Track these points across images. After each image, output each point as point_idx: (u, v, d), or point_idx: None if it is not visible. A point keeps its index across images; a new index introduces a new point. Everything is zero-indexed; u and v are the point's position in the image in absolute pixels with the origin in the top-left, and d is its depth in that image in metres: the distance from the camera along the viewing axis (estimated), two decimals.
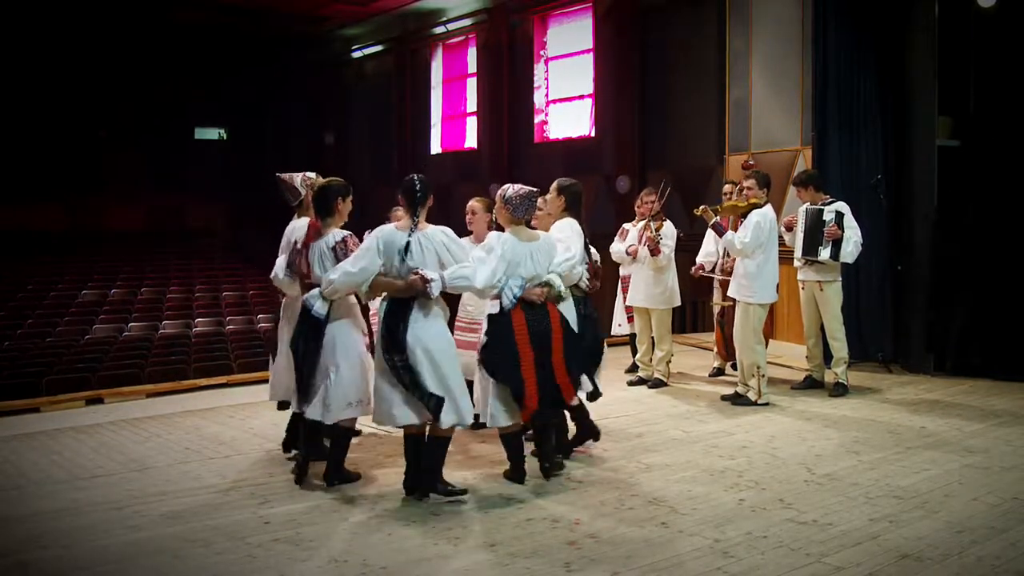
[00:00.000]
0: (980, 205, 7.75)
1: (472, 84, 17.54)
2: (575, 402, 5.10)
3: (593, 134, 14.97)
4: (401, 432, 4.69)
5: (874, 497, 4.46)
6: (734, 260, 6.90)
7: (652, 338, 7.40)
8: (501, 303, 4.60)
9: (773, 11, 9.11)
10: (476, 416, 4.81)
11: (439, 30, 17.90)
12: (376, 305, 4.77)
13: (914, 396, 6.99)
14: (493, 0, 16.29)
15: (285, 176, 5.20)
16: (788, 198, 8.58)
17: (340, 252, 4.58)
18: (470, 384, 4.86)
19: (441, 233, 4.53)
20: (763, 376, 6.61)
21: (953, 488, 4.62)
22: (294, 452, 5.17)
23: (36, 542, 4.02)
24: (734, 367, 7.08)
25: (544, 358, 4.64)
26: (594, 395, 5.10)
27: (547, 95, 15.96)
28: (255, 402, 7.05)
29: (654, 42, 13.67)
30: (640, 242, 7.26)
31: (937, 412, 6.39)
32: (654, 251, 7.13)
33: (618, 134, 14.23)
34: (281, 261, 5.03)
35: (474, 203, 5.71)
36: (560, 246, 4.94)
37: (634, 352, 7.81)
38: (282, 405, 5.38)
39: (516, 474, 4.76)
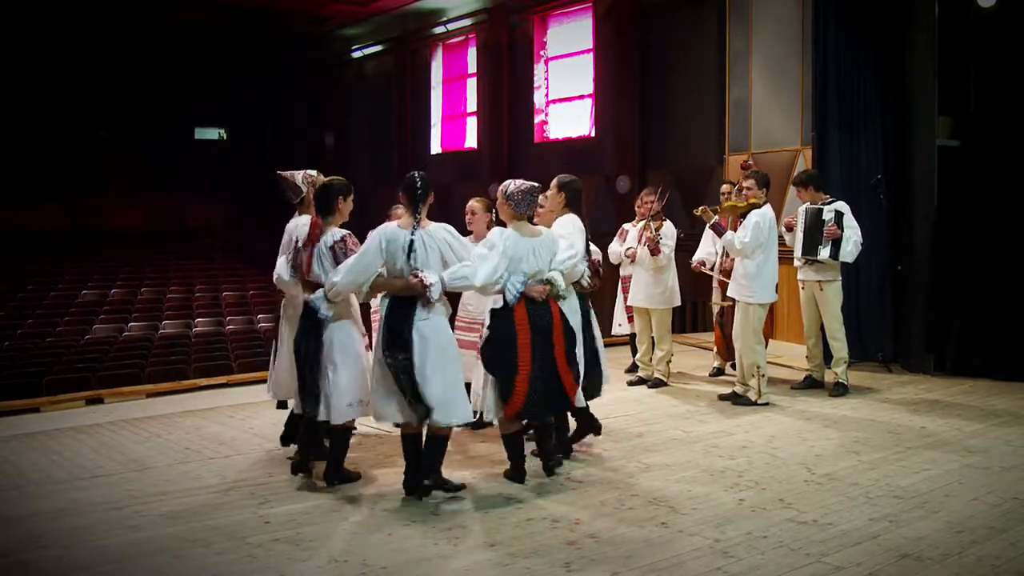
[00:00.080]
0: (980, 205, 7.75)
1: (472, 84, 17.54)
2: (580, 403, 5.09)
3: (593, 134, 14.97)
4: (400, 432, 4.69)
5: (874, 497, 4.46)
6: (733, 260, 6.90)
7: (652, 338, 7.40)
8: (504, 298, 4.61)
9: (773, 11, 9.11)
10: (474, 414, 4.81)
11: (439, 30, 17.90)
12: (377, 303, 4.78)
13: (914, 396, 6.99)
14: (493, 0, 16.29)
15: (286, 174, 5.20)
16: (788, 198, 8.58)
17: (339, 251, 4.58)
18: (468, 384, 4.87)
19: (443, 231, 4.54)
20: (763, 376, 6.61)
21: (953, 488, 4.62)
22: (293, 447, 5.19)
23: (36, 542, 4.02)
24: (734, 367, 7.08)
25: (547, 353, 4.65)
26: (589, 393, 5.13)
27: (547, 95, 15.96)
28: (255, 402, 7.05)
29: (654, 42, 13.67)
30: (640, 242, 7.26)
31: (937, 412, 6.39)
32: (654, 251, 7.14)
33: (618, 134, 14.23)
34: (282, 261, 5.02)
35: (474, 203, 5.72)
36: (563, 243, 4.94)
37: (634, 352, 7.81)
38: (281, 405, 5.40)
39: (516, 474, 4.76)
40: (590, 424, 5.44)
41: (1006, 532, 3.98)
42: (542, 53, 15.93)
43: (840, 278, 7.09)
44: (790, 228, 7.21)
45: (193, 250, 19.63)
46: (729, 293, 6.85)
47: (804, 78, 8.68)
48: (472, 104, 17.60)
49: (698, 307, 11.61)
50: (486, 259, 4.56)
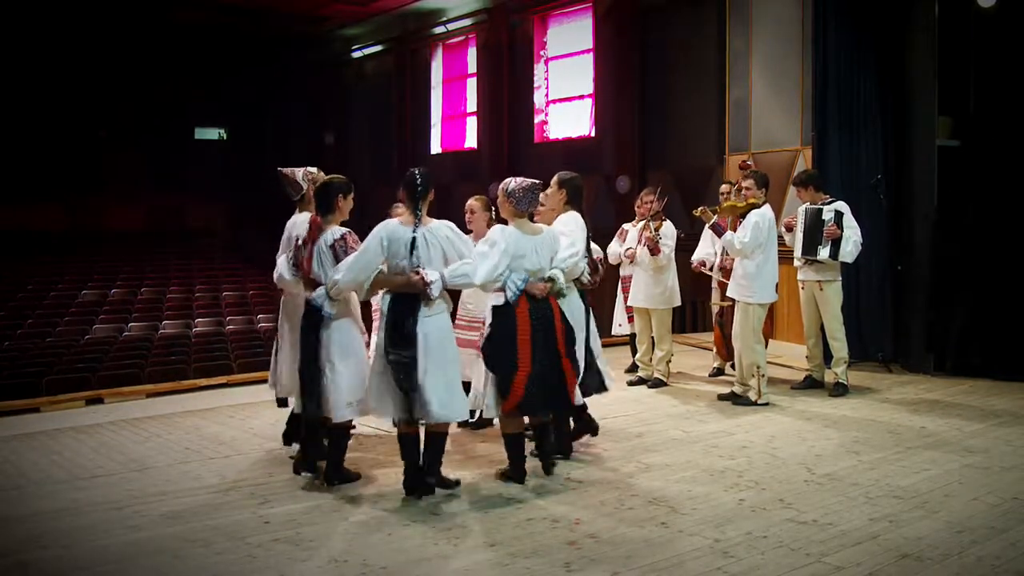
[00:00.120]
0: (980, 205, 7.75)
1: (472, 84, 17.54)
2: (579, 401, 5.10)
3: (593, 134, 14.97)
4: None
5: (874, 497, 4.46)
6: (732, 260, 6.90)
7: (652, 338, 7.40)
8: (505, 295, 4.61)
9: (773, 11, 9.11)
10: (472, 413, 4.81)
11: (439, 30, 17.90)
12: (378, 301, 4.78)
13: (914, 396, 6.99)
14: (493, 0, 16.30)
15: (287, 171, 5.22)
16: (788, 198, 8.58)
17: (340, 249, 4.59)
18: (467, 383, 4.86)
19: (445, 228, 4.55)
20: (763, 376, 6.61)
21: (953, 488, 4.62)
22: (295, 446, 5.19)
23: (36, 542, 4.02)
24: (734, 367, 7.08)
25: (548, 350, 4.65)
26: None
27: (547, 95, 15.97)
28: (255, 402, 7.05)
29: (654, 42, 13.67)
30: (640, 242, 7.26)
31: (937, 412, 6.39)
32: (654, 251, 7.14)
33: (618, 134, 14.23)
34: (283, 260, 5.01)
35: (473, 202, 5.72)
36: (564, 240, 4.95)
37: (634, 352, 7.81)
38: (281, 403, 5.38)
39: (516, 473, 4.75)
40: (587, 424, 5.44)
41: (1006, 532, 3.97)
42: (542, 53, 15.93)
43: (840, 278, 7.09)
44: (790, 228, 7.21)
45: (193, 250, 19.63)
46: (729, 293, 6.85)
47: (804, 78, 8.68)
48: (472, 104, 17.60)
49: (698, 307, 11.61)
50: (487, 257, 4.57)
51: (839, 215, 6.90)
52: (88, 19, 18.63)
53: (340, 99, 21.25)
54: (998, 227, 7.62)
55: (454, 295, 5.15)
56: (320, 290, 4.58)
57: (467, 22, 17.20)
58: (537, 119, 16.04)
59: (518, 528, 4.08)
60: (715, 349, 7.97)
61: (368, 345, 4.95)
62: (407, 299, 4.44)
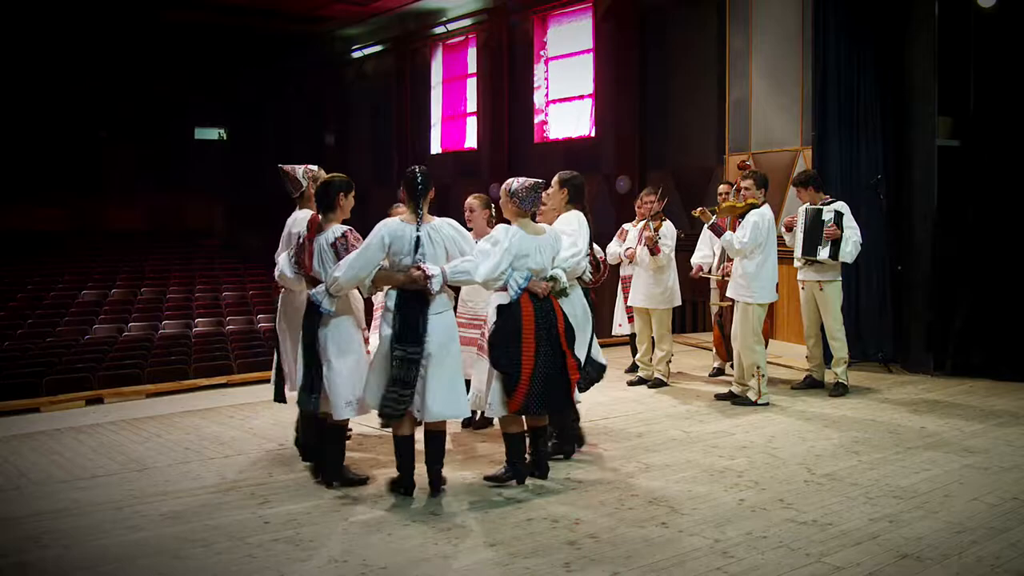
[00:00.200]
0: (980, 205, 7.75)
1: (472, 84, 17.53)
2: (578, 401, 5.10)
3: (593, 134, 14.97)
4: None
5: (874, 497, 4.46)
6: (732, 260, 6.90)
7: (652, 338, 7.40)
8: (509, 294, 4.61)
9: (773, 11, 9.11)
10: (473, 413, 4.80)
11: (439, 30, 17.90)
12: (379, 299, 4.77)
13: (914, 396, 6.99)
14: (493, 0, 16.29)
15: (288, 167, 5.22)
16: (788, 198, 8.58)
17: (340, 247, 4.58)
18: (467, 380, 4.86)
19: (448, 226, 4.57)
20: (763, 376, 6.61)
21: (953, 488, 4.62)
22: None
23: (36, 542, 4.02)
24: (734, 367, 7.08)
25: (551, 349, 4.65)
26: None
27: (547, 95, 15.95)
28: (255, 402, 7.05)
29: (654, 42, 13.67)
30: (639, 242, 7.26)
31: (937, 412, 6.39)
32: (653, 251, 7.14)
33: (618, 134, 14.23)
34: (284, 258, 4.99)
35: (472, 200, 5.72)
36: (567, 240, 4.95)
37: (634, 352, 7.82)
38: (279, 399, 5.32)
39: (516, 473, 4.75)
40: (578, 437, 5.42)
41: (1006, 532, 3.98)
42: (542, 53, 15.92)
43: (840, 278, 7.09)
44: (790, 228, 7.22)
45: (193, 250, 19.63)
46: (728, 293, 6.85)
47: (804, 78, 8.68)
48: (472, 104, 17.59)
49: (698, 307, 11.61)
50: (489, 255, 4.57)
51: (839, 215, 6.90)
52: (88, 19, 18.64)
53: (340, 99, 21.25)
54: (998, 227, 7.62)
55: (454, 292, 5.15)
56: (320, 287, 4.57)
57: (467, 22, 17.20)
58: (537, 119, 16.04)
59: (518, 528, 4.08)
60: (715, 349, 7.97)
61: (367, 342, 4.93)
62: (416, 297, 4.45)
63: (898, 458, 5.19)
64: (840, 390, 6.99)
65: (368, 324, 5.17)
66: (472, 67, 17.51)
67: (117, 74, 20.05)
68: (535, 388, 4.59)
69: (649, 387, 7.36)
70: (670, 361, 7.48)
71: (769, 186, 6.89)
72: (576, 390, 4.92)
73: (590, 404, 5.86)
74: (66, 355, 11.63)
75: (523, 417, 4.75)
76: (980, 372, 7.61)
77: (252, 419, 6.52)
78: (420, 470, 4.60)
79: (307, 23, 18.97)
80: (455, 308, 5.12)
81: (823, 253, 6.92)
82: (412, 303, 4.45)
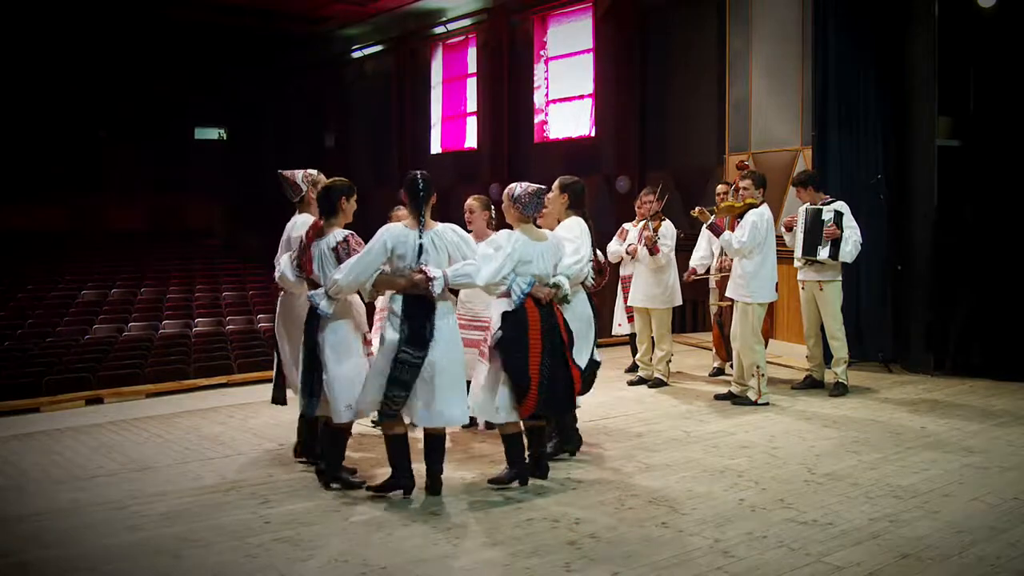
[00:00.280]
0: (980, 205, 7.76)
1: (472, 84, 17.54)
2: (578, 404, 5.09)
3: (593, 134, 14.97)
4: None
5: (874, 497, 4.47)
6: (730, 260, 6.90)
7: (652, 338, 7.40)
8: (513, 300, 4.61)
9: (773, 11, 9.11)
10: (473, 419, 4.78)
11: (439, 30, 17.90)
12: (381, 303, 4.77)
13: (914, 396, 6.99)
14: (493, 0, 16.29)
15: (287, 172, 5.20)
16: (788, 198, 8.58)
17: (342, 251, 4.57)
18: (467, 382, 4.85)
19: (451, 232, 4.56)
20: (763, 376, 6.61)
21: (953, 488, 4.62)
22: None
23: (36, 542, 4.02)
24: (733, 367, 7.08)
25: (555, 354, 4.65)
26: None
27: (547, 95, 15.96)
28: (255, 402, 7.04)
29: (654, 42, 13.67)
30: (639, 242, 7.26)
31: (937, 412, 6.39)
32: (653, 251, 7.14)
33: (618, 134, 14.23)
34: (285, 260, 4.97)
35: (471, 201, 5.71)
36: (569, 246, 4.95)
37: (634, 352, 7.81)
38: (278, 401, 5.32)
39: (520, 475, 4.74)
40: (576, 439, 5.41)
41: (1006, 532, 3.98)
42: (542, 53, 15.93)
43: (840, 278, 7.09)
44: (790, 228, 7.21)
45: (193, 250, 19.62)
46: (728, 293, 6.85)
47: (804, 78, 8.68)
48: (472, 104, 17.60)
49: (698, 307, 11.60)
50: (491, 259, 4.56)
51: (839, 215, 6.90)
52: (88, 19, 18.65)
53: (340, 99, 21.25)
54: (998, 227, 7.62)
55: (454, 295, 5.15)
56: (319, 289, 4.56)
57: (467, 22, 17.20)
58: (537, 119, 16.05)
59: (518, 528, 4.08)
60: (714, 349, 7.97)
61: (369, 344, 4.92)
62: (422, 301, 4.44)
63: (898, 458, 5.19)
64: (840, 390, 6.99)
65: (370, 328, 5.16)
66: (472, 67, 17.52)
67: (117, 74, 20.05)
68: (542, 393, 4.60)
69: (649, 387, 7.36)
70: (670, 361, 7.48)
71: (768, 186, 6.89)
72: (579, 392, 4.92)
73: (590, 404, 5.85)
74: (66, 355, 11.63)
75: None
76: (980, 372, 7.61)
77: (252, 419, 6.52)
78: (420, 470, 4.60)
79: (307, 23, 18.97)
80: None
81: (823, 253, 6.92)
82: (418, 308, 4.44)
